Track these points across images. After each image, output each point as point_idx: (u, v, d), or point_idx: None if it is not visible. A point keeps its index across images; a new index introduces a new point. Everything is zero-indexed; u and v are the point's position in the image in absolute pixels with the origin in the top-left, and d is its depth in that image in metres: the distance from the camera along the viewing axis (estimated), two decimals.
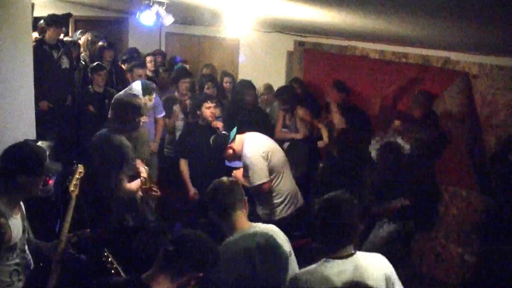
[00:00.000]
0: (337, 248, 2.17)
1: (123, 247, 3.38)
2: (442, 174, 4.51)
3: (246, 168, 3.82)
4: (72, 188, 2.84)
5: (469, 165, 4.42)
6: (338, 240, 2.16)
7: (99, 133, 3.71)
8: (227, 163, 4.76)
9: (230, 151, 3.90)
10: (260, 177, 3.74)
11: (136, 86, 4.60)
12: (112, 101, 3.71)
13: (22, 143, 2.70)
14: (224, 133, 4.07)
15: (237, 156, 3.92)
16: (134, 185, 3.63)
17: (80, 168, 2.95)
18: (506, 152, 3.98)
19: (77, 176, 2.92)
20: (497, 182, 4.04)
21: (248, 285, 2.34)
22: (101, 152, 3.56)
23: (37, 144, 2.60)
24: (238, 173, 3.93)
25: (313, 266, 2.19)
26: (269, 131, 4.85)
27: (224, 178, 2.65)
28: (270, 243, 2.41)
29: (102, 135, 3.63)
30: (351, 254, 2.16)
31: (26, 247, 2.60)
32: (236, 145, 3.88)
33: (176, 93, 5.54)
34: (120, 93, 4.61)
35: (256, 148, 3.84)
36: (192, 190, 4.55)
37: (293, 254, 2.57)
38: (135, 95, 3.70)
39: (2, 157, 2.49)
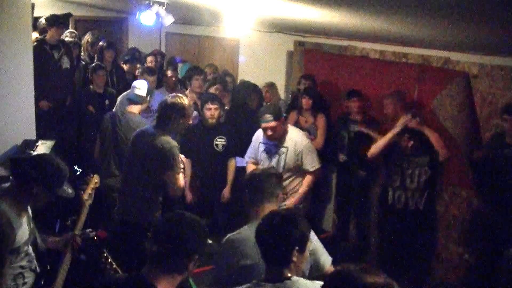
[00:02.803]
0: (269, 269, 2.04)
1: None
2: (441, 173, 4.51)
3: (303, 154, 3.94)
4: (86, 198, 2.84)
5: (467, 165, 4.42)
6: (270, 260, 2.04)
7: (144, 132, 3.62)
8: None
9: (280, 124, 3.92)
10: (318, 161, 3.99)
11: (143, 86, 4.44)
12: (159, 103, 3.66)
13: (49, 156, 2.72)
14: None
15: (280, 134, 3.94)
16: (182, 180, 3.59)
17: (96, 179, 2.95)
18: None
19: (92, 186, 2.92)
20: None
21: (257, 273, 2.32)
22: (150, 152, 3.47)
23: (59, 159, 2.61)
24: None
25: (244, 286, 2.10)
26: None
27: (263, 168, 2.69)
28: None
29: (150, 136, 3.53)
30: (285, 278, 2.00)
31: (31, 250, 2.60)
32: (285, 124, 3.97)
33: (187, 91, 5.53)
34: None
35: (306, 136, 4.04)
36: (189, 196, 4.56)
37: (315, 247, 2.53)
38: (179, 96, 3.61)
39: (25, 164, 2.49)
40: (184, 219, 1.89)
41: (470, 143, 4.41)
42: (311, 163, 3.98)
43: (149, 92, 4.42)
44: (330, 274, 1.69)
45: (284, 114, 3.98)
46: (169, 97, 3.59)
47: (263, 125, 3.94)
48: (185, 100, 3.55)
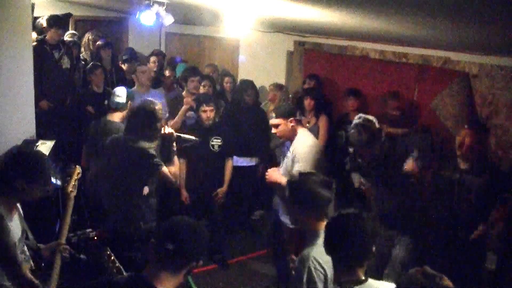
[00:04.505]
0: (345, 269, 2.02)
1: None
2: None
3: (295, 160, 3.71)
4: (70, 189, 2.85)
5: None
6: (345, 260, 2.01)
7: (117, 141, 3.55)
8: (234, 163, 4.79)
9: (284, 124, 3.76)
10: None
11: (122, 92, 4.37)
12: (128, 110, 3.61)
13: (29, 149, 2.71)
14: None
15: (286, 134, 3.81)
16: (176, 166, 3.50)
17: (78, 169, 2.96)
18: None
19: (75, 177, 2.93)
20: None
21: None
22: (129, 163, 3.43)
23: (42, 152, 2.59)
24: (273, 172, 3.78)
25: None
26: (267, 130, 4.84)
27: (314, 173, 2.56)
28: None
29: (123, 145, 3.46)
30: (362, 281, 1.99)
31: (26, 248, 2.60)
32: (294, 126, 3.77)
33: (184, 92, 5.53)
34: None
35: (311, 144, 3.77)
36: (184, 194, 4.58)
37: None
38: (151, 101, 3.55)
39: (5, 159, 2.49)
40: (193, 224, 1.92)
41: None
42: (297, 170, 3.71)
43: (130, 96, 4.39)
44: (401, 282, 1.69)
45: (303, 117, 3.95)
46: (139, 103, 3.56)
47: (270, 121, 3.99)
48: (154, 104, 3.47)
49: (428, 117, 4.67)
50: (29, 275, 2.44)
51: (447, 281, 1.59)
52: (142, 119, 3.42)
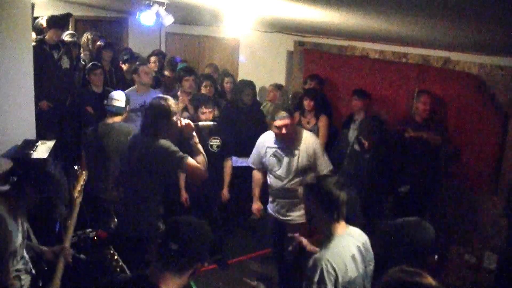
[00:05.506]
0: None
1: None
2: (445, 174, 4.52)
3: (316, 156, 3.78)
4: (76, 195, 2.82)
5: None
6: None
7: (136, 142, 3.39)
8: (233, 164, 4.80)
9: (293, 123, 3.81)
10: (330, 162, 3.83)
11: (122, 97, 4.37)
12: (146, 107, 3.47)
13: (41, 159, 2.69)
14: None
15: (292, 134, 3.78)
16: (199, 158, 3.35)
17: (84, 175, 2.94)
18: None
19: (81, 183, 2.91)
20: None
21: (360, 285, 2.33)
22: (148, 159, 3.27)
23: (55, 163, 2.58)
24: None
25: None
26: (266, 130, 4.83)
27: (323, 176, 2.58)
28: (366, 247, 2.42)
29: (144, 144, 3.31)
30: None
31: (25, 252, 2.58)
32: (297, 125, 3.85)
33: (179, 92, 5.53)
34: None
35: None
36: (184, 195, 4.57)
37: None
38: (163, 97, 3.40)
39: (16, 163, 2.48)
40: (197, 224, 1.90)
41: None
42: (325, 165, 3.81)
43: (128, 101, 4.40)
44: (383, 282, 1.66)
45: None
46: (152, 100, 3.44)
47: (279, 122, 3.73)
48: (168, 101, 3.34)
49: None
50: (11, 284, 2.41)
51: (427, 278, 1.57)
52: (156, 116, 3.30)
